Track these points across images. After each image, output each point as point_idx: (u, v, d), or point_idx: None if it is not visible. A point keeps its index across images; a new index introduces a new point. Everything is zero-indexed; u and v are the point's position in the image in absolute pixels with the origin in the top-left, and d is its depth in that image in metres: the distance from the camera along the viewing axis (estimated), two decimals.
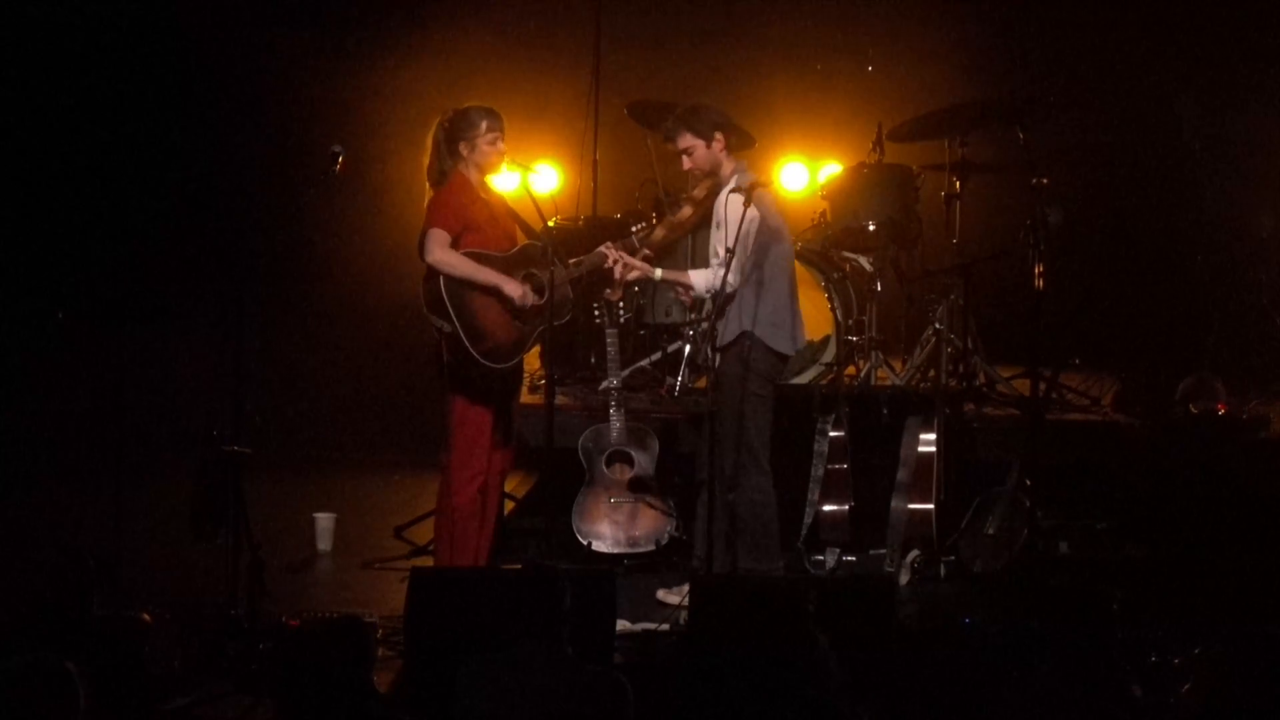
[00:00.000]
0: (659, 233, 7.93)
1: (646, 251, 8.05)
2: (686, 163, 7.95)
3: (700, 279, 7.84)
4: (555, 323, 7.81)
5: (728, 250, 7.61)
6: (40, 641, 5.38)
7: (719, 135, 7.86)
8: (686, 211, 7.91)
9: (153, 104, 11.11)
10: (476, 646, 5.62)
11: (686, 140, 7.89)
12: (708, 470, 7.76)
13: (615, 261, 7.94)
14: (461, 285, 7.76)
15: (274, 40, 11.11)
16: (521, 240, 7.98)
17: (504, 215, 7.98)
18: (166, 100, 11.13)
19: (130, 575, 7.39)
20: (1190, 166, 10.64)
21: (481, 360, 7.73)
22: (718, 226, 7.80)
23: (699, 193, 8.40)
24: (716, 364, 7.78)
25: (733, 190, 7.76)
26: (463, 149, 7.84)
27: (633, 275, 8.02)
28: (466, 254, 7.80)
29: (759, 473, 7.84)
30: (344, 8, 11.32)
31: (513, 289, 7.76)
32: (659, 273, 7.97)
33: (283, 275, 10.20)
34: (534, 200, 8.21)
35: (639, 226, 8.27)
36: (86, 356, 9.15)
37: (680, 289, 8.09)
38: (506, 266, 7.83)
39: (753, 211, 7.66)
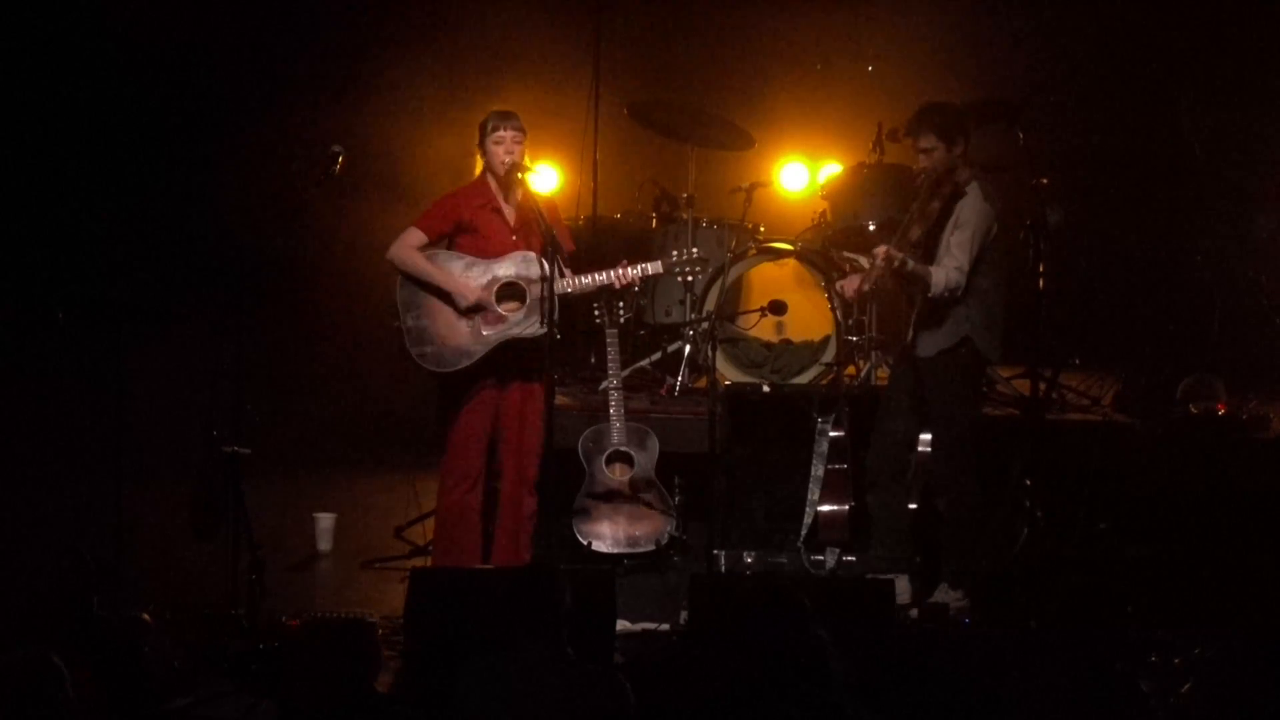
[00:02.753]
0: (915, 231, 7.83)
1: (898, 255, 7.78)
2: (923, 160, 7.86)
3: (940, 276, 7.74)
4: (527, 333, 7.82)
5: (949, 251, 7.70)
6: (41, 641, 5.38)
7: (960, 139, 7.83)
8: (935, 206, 7.83)
9: (153, 104, 11.11)
10: (476, 646, 5.62)
11: (930, 140, 7.83)
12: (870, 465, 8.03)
13: (622, 283, 7.91)
14: (416, 285, 7.82)
15: (274, 40, 11.10)
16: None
17: (529, 224, 7.88)
18: (167, 100, 11.12)
19: (130, 575, 7.39)
20: (1190, 166, 10.63)
21: (419, 363, 7.80)
22: (957, 227, 7.76)
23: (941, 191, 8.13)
24: (925, 363, 7.86)
25: (975, 191, 7.78)
26: (479, 152, 7.89)
27: (880, 265, 7.76)
28: (436, 254, 7.82)
29: (973, 480, 7.90)
30: (344, 8, 11.31)
31: (461, 291, 7.75)
32: (911, 264, 7.74)
33: (283, 275, 10.19)
34: (534, 200, 8.21)
35: (678, 253, 8.15)
36: (86, 356, 9.13)
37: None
38: (482, 271, 7.85)
39: (990, 215, 7.73)
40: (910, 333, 8.02)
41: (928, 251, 7.78)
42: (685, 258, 8.12)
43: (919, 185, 7.99)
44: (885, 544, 8.05)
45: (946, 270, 7.71)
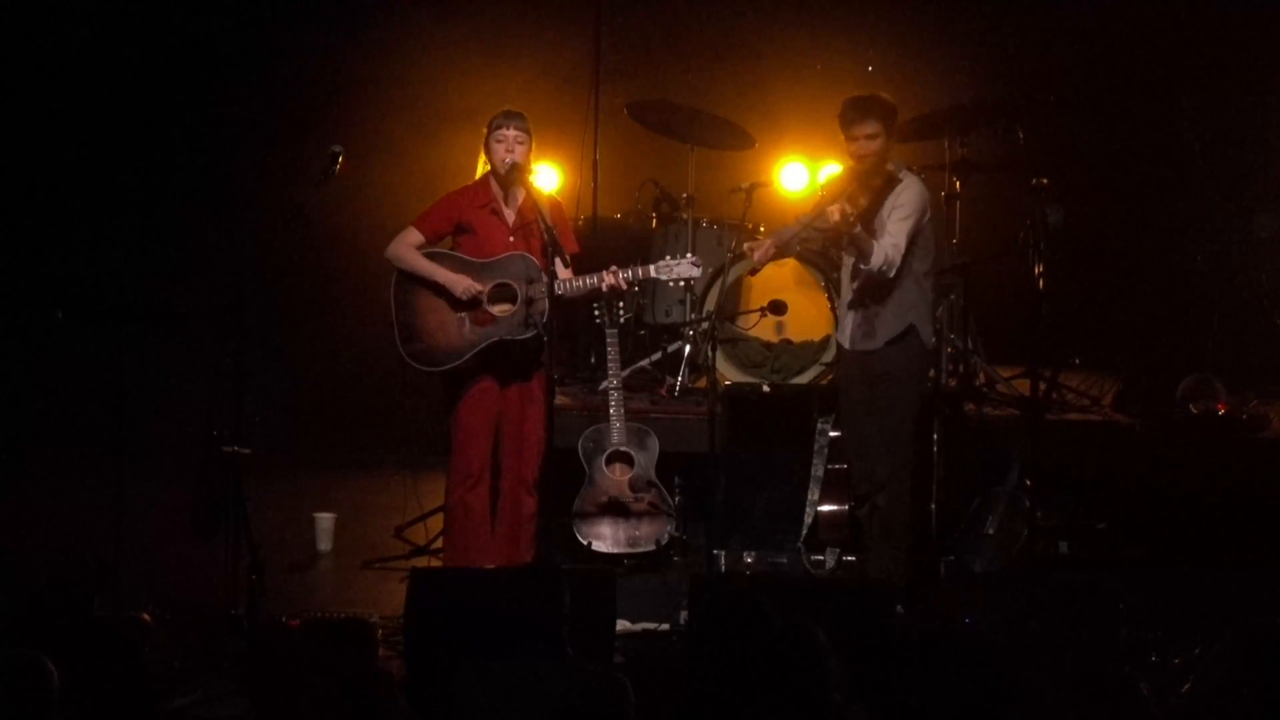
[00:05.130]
0: (862, 200, 7.77)
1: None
2: (865, 146, 7.78)
3: (880, 250, 7.67)
4: (517, 337, 7.82)
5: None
6: (36, 642, 5.38)
7: (895, 131, 7.88)
8: (877, 182, 7.79)
9: (153, 103, 11.11)
10: (476, 646, 5.61)
11: (873, 127, 7.78)
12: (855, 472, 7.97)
13: (611, 288, 7.89)
14: (411, 283, 7.86)
15: (274, 40, 11.11)
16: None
17: (528, 225, 7.86)
18: (167, 100, 11.13)
19: (130, 575, 7.39)
20: (1190, 166, 10.63)
21: (407, 359, 7.86)
22: (895, 208, 7.74)
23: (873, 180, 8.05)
24: (870, 356, 7.81)
25: (911, 177, 7.80)
26: (484, 151, 7.90)
27: (835, 220, 7.59)
28: (432, 253, 7.83)
29: (910, 476, 7.87)
30: (344, 8, 11.32)
31: (457, 284, 7.77)
32: (859, 228, 7.63)
33: (283, 275, 10.20)
34: (535, 200, 8.20)
35: (668, 259, 8.07)
36: (86, 356, 9.14)
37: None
38: (476, 272, 7.84)
39: (926, 200, 7.76)
40: (846, 330, 7.98)
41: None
42: (674, 263, 8.06)
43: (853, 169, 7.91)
44: (883, 555, 7.99)
45: (885, 246, 7.69)
